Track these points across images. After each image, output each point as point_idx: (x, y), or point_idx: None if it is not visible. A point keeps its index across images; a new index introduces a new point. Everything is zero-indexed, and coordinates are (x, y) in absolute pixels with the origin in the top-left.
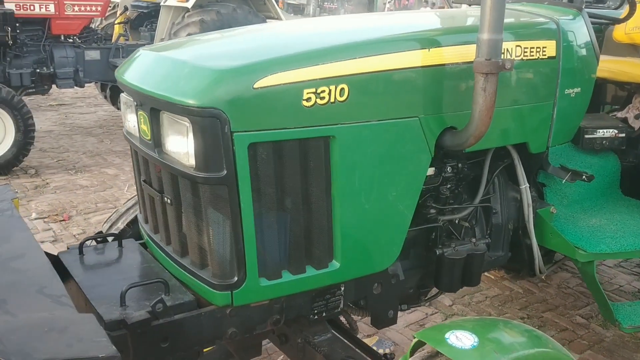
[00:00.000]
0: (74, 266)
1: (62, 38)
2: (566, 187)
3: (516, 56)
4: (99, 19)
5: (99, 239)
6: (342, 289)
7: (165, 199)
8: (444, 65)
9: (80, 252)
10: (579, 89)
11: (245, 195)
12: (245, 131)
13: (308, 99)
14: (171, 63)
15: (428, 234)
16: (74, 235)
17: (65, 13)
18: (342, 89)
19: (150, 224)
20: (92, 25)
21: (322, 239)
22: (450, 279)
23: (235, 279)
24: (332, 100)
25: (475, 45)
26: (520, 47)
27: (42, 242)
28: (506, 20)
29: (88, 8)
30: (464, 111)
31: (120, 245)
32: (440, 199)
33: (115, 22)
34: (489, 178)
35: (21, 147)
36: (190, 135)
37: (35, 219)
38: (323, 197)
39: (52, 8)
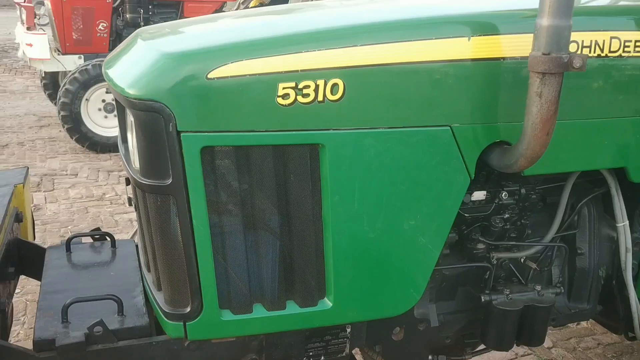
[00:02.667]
0: (52, 265)
1: None
2: None
3: (611, 51)
4: (236, 2)
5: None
6: (349, 330)
7: (133, 202)
8: (491, 59)
9: (68, 250)
10: None
11: (199, 209)
12: (197, 131)
13: (285, 96)
14: (141, 48)
15: (479, 273)
16: None
17: None
18: (335, 84)
19: None
20: (225, 9)
21: (309, 270)
22: (499, 334)
23: (188, 309)
24: (319, 98)
25: None
26: (619, 39)
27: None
28: (601, 1)
29: None
30: (522, 122)
31: (113, 245)
32: (492, 232)
33: (250, 5)
34: (572, 208)
35: None
36: (134, 132)
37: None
38: (309, 219)
39: None
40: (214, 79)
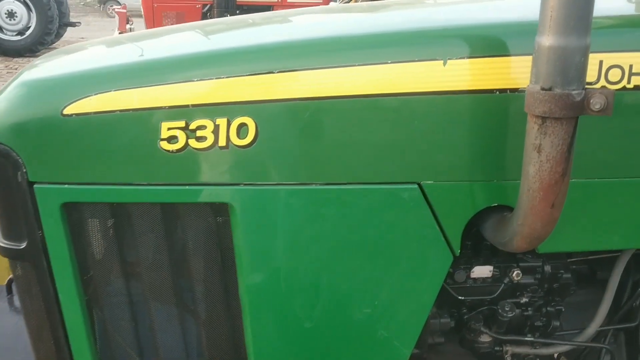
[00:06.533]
0: None
1: None
2: None
3: None
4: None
5: None
6: None
7: None
8: (479, 92)
9: (9, 292)
10: None
11: (65, 280)
12: (55, 183)
13: (172, 139)
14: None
15: None
16: None
17: (288, 1)
18: (243, 125)
19: None
20: None
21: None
22: None
23: None
24: (221, 143)
25: None
26: None
27: None
28: None
29: None
30: None
31: None
32: (499, 322)
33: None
34: (635, 288)
35: None
36: None
37: None
38: (221, 299)
39: None
40: (71, 115)
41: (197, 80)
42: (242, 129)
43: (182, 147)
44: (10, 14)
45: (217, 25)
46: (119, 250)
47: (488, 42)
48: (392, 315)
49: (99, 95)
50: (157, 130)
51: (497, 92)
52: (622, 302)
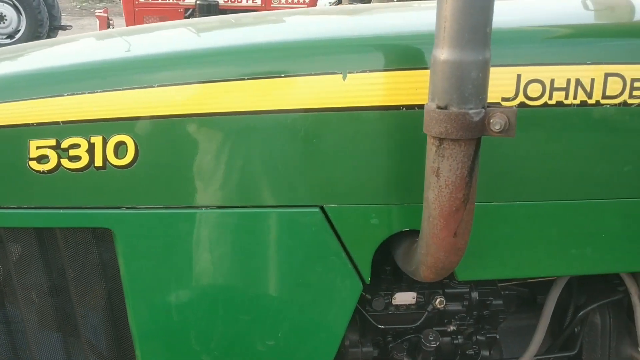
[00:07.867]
0: None
1: None
2: None
3: (607, 96)
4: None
5: None
6: None
7: None
8: (386, 108)
9: None
10: None
11: None
12: None
13: (42, 159)
14: None
15: None
16: None
17: (272, 5)
18: (121, 143)
19: None
20: None
21: None
22: None
23: None
24: (98, 163)
25: None
26: (623, 77)
27: None
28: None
29: (295, 1)
30: None
31: None
32: (424, 352)
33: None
34: (576, 314)
35: None
36: None
37: None
38: (110, 330)
39: (258, 0)
40: None
41: (68, 95)
42: (120, 148)
43: (54, 167)
44: (0, 17)
45: (108, 36)
46: None
47: (393, 54)
48: (297, 348)
49: None
50: (25, 149)
51: (404, 109)
52: (562, 328)
